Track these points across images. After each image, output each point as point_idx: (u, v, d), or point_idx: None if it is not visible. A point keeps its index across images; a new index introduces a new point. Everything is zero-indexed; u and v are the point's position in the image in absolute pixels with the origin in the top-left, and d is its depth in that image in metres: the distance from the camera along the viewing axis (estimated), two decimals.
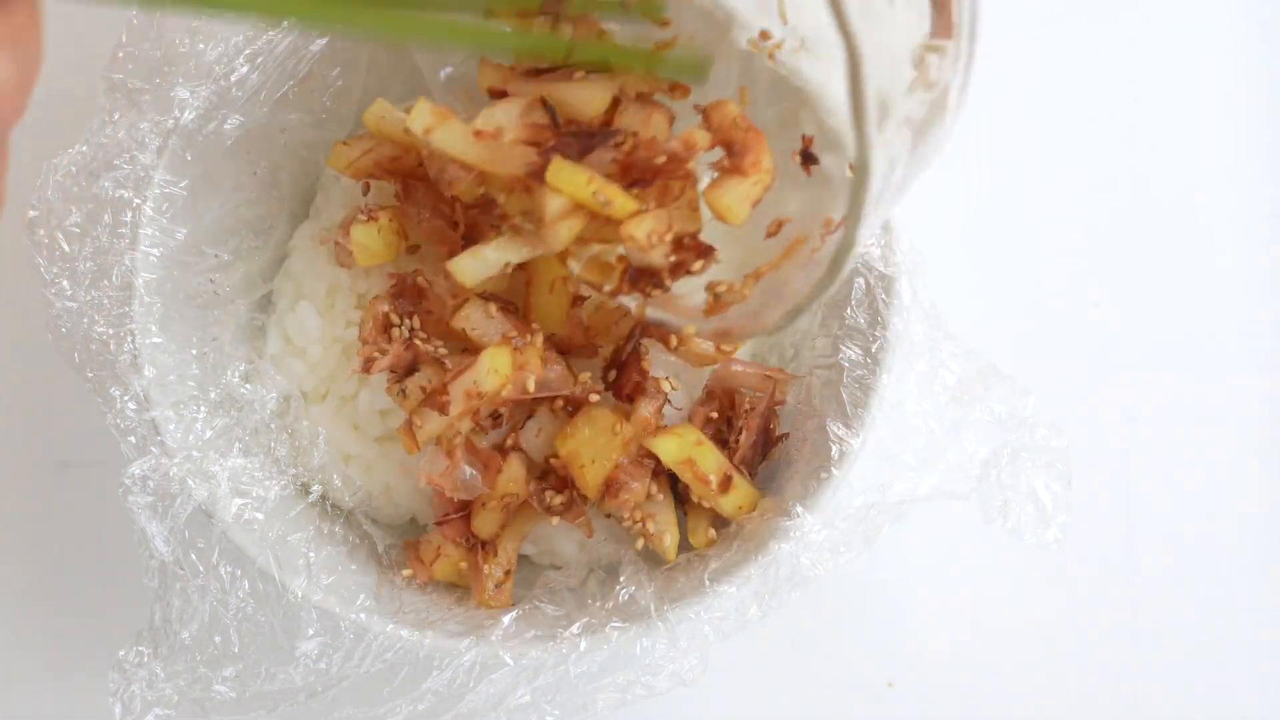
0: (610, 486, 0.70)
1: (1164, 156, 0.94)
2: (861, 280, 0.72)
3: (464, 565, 0.73)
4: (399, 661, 0.68)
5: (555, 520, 0.72)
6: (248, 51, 0.71)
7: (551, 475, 0.73)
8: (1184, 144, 0.94)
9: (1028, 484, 0.68)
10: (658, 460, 0.72)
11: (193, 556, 0.66)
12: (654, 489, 0.73)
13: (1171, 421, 0.90)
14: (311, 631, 0.68)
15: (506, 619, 0.69)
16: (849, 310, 0.72)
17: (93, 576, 0.83)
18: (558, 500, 0.72)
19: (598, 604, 0.70)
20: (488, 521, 0.72)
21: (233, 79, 0.70)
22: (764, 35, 0.69)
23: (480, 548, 0.73)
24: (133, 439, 0.67)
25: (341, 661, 0.68)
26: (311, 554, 0.71)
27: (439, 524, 0.73)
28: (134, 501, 0.66)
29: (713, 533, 0.74)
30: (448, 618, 0.70)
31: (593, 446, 0.70)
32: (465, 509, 0.73)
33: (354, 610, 0.68)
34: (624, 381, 0.72)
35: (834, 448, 0.70)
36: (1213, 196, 0.94)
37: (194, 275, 0.73)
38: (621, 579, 0.71)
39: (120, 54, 0.69)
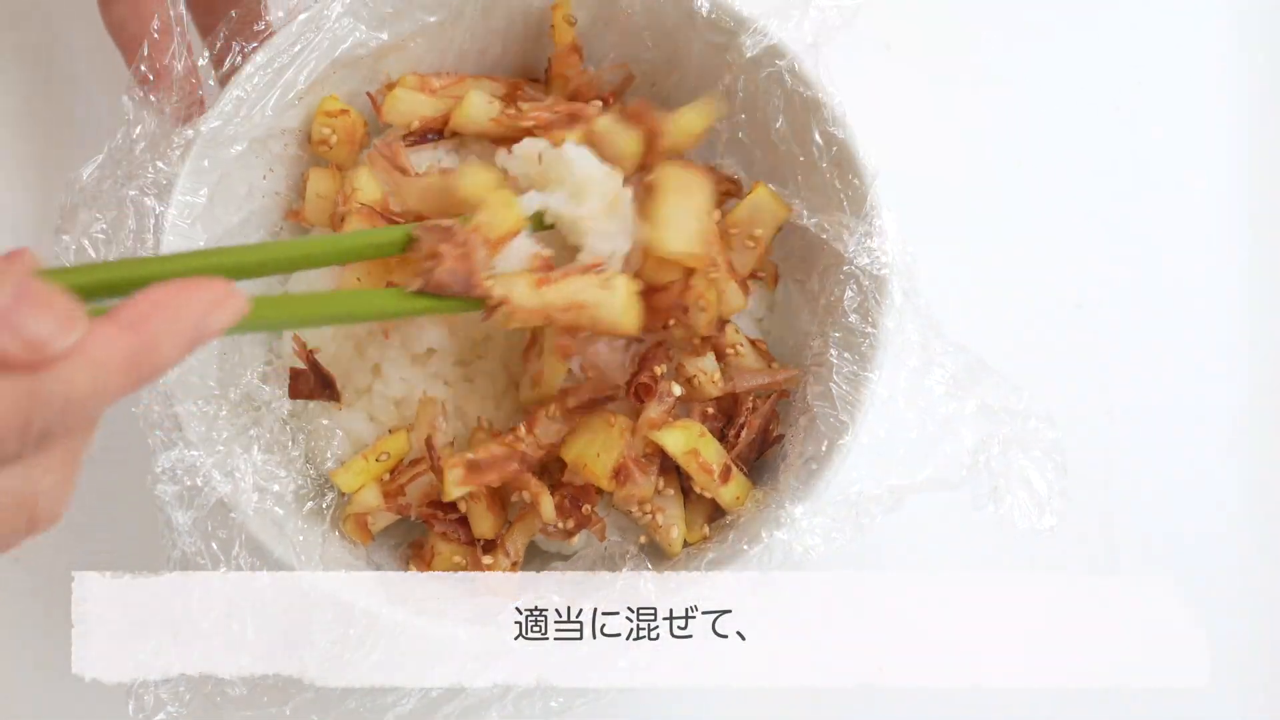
0: (619, 474, 0.72)
1: (1146, 160, 0.95)
2: (855, 281, 0.73)
3: (459, 560, 0.75)
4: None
5: (574, 540, 0.75)
6: (259, 60, 0.73)
7: (562, 488, 0.74)
8: (1166, 149, 0.96)
9: (1020, 471, 0.69)
10: (664, 457, 0.74)
11: (214, 546, 0.67)
12: (662, 484, 0.75)
13: (1152, 419, 0.92)
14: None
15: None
16: (842, 309, 0.74)
17: (117, 568, 0.84)
18: (570, 524, 0.74)
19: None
20: (483, 520, 0.74)
21: (249, 87, 0.72)
22: None
23: (483, 543, 0.75)
24: (159, 433, 0.68)
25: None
26: (326, 548, 0.72)
27: (426, 523, 0.76)
28: (162, 490, 0.67)
29: (706, 529, 0.76)
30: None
31: (596, 443, 0.72)
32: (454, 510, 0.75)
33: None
34: (634, 381, 0.74)
35: (827, 441, 0.71)
36: (1192, 202, 0.95)
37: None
38: (624, 570, 0.73)
39: (143, 67, 0.71)
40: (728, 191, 0.79)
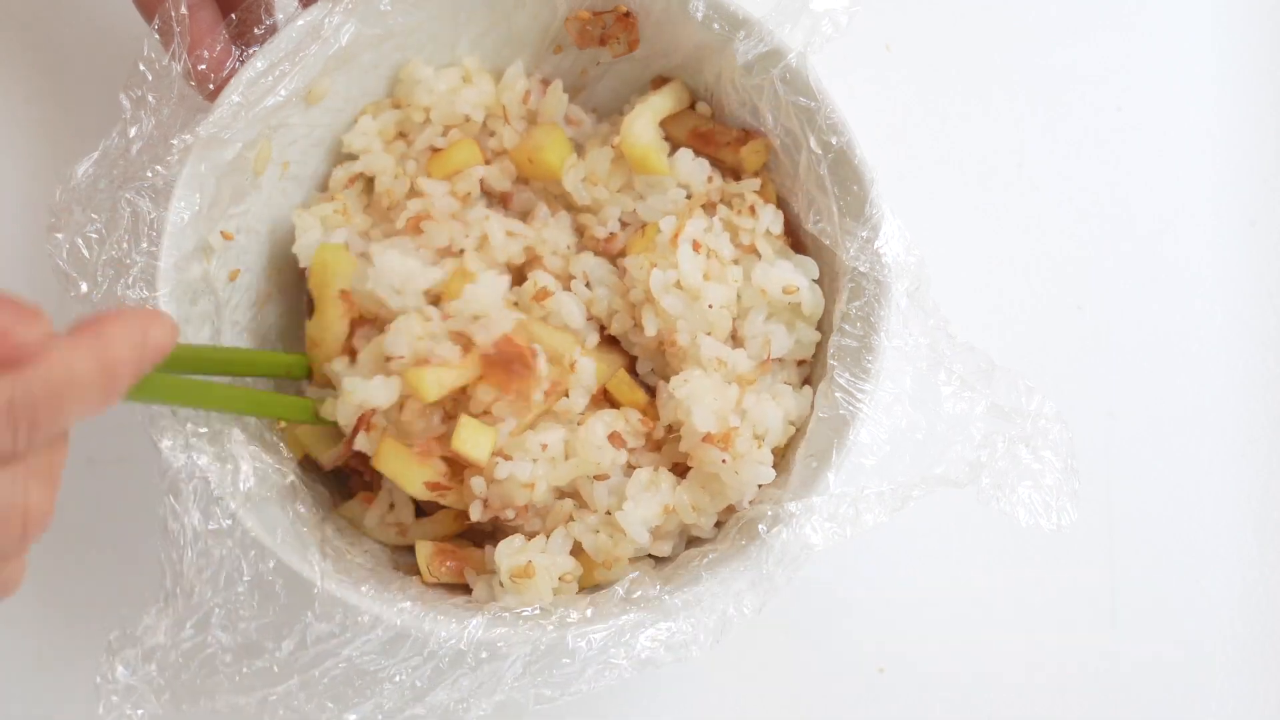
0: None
1: (1148, 161, 0.95)
2: (856, 285, 0.73)
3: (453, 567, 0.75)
4: (396, 641, 0.69)
5: None
6: (260, 65, 0.72)
7: None
8: (1168, 150, 0.96)
9: (1028, 468, 0.69)
10: None
11: (211, 525, 0.67)
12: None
13: (1152, 419, 0.91)
14: (316, 611, 0.68)
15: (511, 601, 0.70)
16: (845, 312, 0.73)
17: (117, 567, 0.84)
18: None
19: (602, 594, 0.71)
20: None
21: (247, 93, 0.72)
22: None
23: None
24: (163, 421, 0.68)
25: (349, 639, 0.68)
26: (320, 550, 0.72)
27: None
28: (167, 445, 0.67)
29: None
30: (452, 600, 0.71)
31: None
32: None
33: (359, 595, 0.68)
34: None
35: (829, 440, 0.71)
36: (1193, 203, 0.95)
37: (198, 279, 0.74)
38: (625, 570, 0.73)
39: (141, 67, 0.71)
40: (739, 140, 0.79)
